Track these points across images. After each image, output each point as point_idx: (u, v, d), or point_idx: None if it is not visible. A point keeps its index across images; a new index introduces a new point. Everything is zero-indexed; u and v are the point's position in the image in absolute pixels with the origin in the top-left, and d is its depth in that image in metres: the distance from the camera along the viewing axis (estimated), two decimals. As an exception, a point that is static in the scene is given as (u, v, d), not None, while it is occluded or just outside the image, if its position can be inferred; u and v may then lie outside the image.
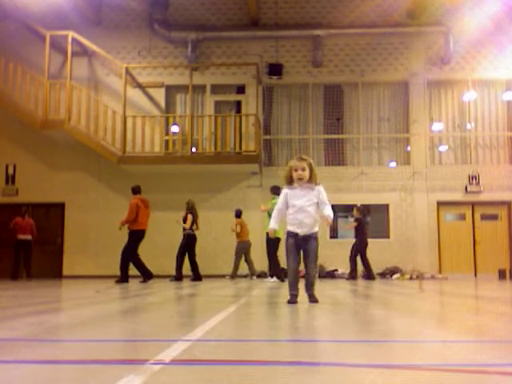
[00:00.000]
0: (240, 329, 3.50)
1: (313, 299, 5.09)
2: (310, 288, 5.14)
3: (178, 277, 12.26)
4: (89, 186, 16.18)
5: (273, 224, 5.29)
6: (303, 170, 5.00)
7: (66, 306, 5.87)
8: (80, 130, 15.26)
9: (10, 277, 13.71)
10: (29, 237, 14.02)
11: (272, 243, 11.25)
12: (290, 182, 5.08)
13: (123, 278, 11.04)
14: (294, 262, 5.15)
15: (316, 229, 5.14)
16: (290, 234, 5.13)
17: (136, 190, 11.53)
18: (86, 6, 16.29)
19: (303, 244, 5.11)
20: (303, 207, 5.04)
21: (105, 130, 15.28)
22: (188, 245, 12.43)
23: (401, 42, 16.65)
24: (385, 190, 16.00)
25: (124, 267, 11.14)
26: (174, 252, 15.25)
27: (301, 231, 5.08)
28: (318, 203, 5.08)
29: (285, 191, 5.14)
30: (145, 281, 11.12)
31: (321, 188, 5.11)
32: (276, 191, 11.70)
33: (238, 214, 14.02)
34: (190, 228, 12.45)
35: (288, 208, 5.11)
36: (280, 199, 5.19)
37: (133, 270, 11.41)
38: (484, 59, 16.45)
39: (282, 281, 11.29)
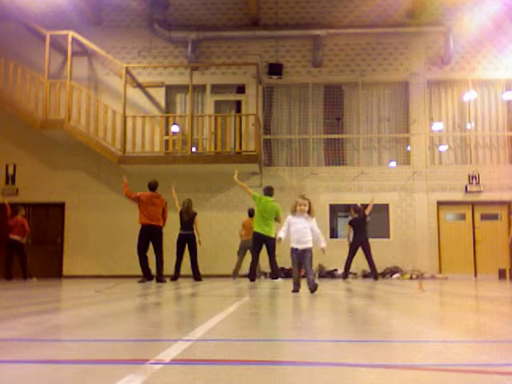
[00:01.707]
0: (240, 329, 3.50)
1: (313, 291, 6.74)
2: (310, 283, 6.80)
3: (173, 276, 12.21)
4: (89, 185, 16.17)
5: (281, 234, 7.05)
6: (304, 205, 6.93)
7: (66, 305, 5.87)
8: (80, 130, 15.25)
9: (4, 277, 13.64)
10: (17, 237, 13.83)
11: (271, 244, 11.11)
12: (294, 211, 6.96)
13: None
14: (296, 269, 7.04)
15: (310, 244, 6.94)
16: (293, 249, 6.98)
17: (149, 187, 11.54)
18: (86, 5, 16.29)
19: (301, 255, 6.94)
20: (300, 230, 6.90)
21: (105, 130, 15.28)
22: (177, 244, 12.32)
23: (401, 42, 16.65)
24: (385, 189, 15.99)
25: (142, 264, 11.24)
26: (174, 252, 15.27)
27: (299, 246, 6.94)
28: (311, 228, 6.92)
29: (288, 218, 7.02)
30: (143, 281, 11.11)
31: (314, 220, 7.00)
32: (267, 192, 11.55)
33: (251, 214, 13.82)
34: (181, 227, 12.37)
35: (290, 230, 6.96)
36: (286, 223, 7.04)
37: (134, 270, 11.40)
38: (484, 59, 16.45)
39: (252, 280, 11.20)
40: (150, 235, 11.28)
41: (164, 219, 11.55)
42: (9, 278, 13.53)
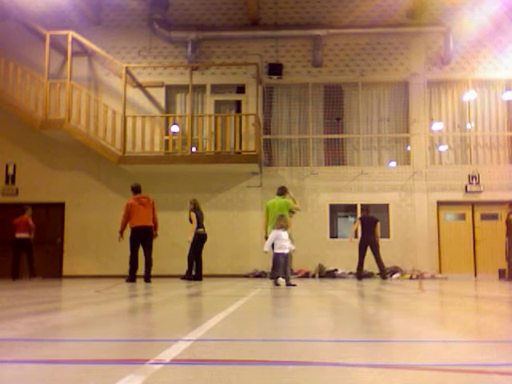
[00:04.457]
0: (240, 328, 3.50)
1: (290, 284, 9.23)
2: (288, 279, 9.33)
3: (189, 277, 12.21)
4: (89, 185, 16.17)
5: (266, 248, 9.39)
6: (285, 222, 9.45)
7: (66, 305, 5.88)
8: (80, 130, 15.25)
9: (11, 277, 13.64)
10: (24, 235, 13.85)
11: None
12: (281, 227, 9.23)
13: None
14: (282, 268, 9.25)
15: (289, 249, 9.30)
16: (279, 253, 9.21)
17: (134, 190, 11.56)
18: (86, 5, 16.28)
19: (286, 258, 9.29)
20: (285, 240, 9.22)
21: (105, 130, 15.28)
22: (196, 243, 12.34)
23: (401, 42, 16.64)
24: (385, 190, 15.99)
25: (132, 267, 11.28)
26: (174, 252, 15.29)
27: (285, 251, 9.22)
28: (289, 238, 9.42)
29: (277, 232, 9.23)
30: (128, 281, 11.18)
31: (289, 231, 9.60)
32: (278, 192, 11.75)
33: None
34: (199, 227, 12.36)
35: (276, 240, 9.24)
36: (271, 236, 9.34)
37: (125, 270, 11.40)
38: (484, 59, 16.44)
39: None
40: (142, 236, 11.29)
41: (155, 221, 11.56)
42: (15, 278, 13.54)
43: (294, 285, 9.24)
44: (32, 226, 13.99)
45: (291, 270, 11.03)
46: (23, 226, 13.82)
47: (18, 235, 13.79)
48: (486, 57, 16.42)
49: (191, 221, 12.36)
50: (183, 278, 12.34)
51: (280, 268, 9.21)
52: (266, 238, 11.58)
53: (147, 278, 11.27)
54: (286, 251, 9.23)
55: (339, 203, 16.12)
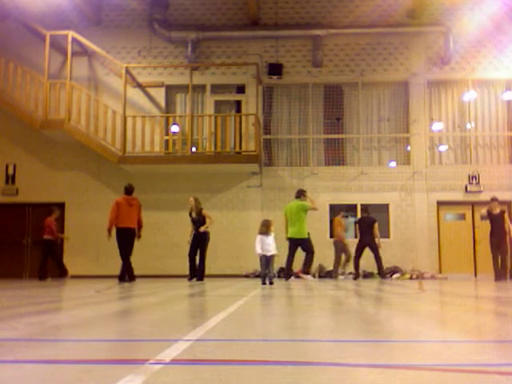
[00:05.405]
0: (240, 328, 3.50)
1: (271, 283, 9.94)
2: (271, 279, 10.11)
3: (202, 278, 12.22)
4: (89, 185, 16.16)
5: (259, 251, 10.05)
6: (269, 227, 10.07)
7: (66, 305, 5.88)
8: (80, 130, 15.25)
9: (38, 277, 13.71)
10: (49, 236, 13.92)
11: (303, 244, 12.26)
12: (265, 232, 10.02)
13: (121, 277, 11.30)
14: (265, 268, 10.09)
15: (272, 252, 10.11)
16: (262, 256, 10.06)
17: (126, 190, 11.54)
18: (86, 6, 16.28)
19: (269, 260, 10.10)
20: (269, 244, 10.06)
21: (105, 130, 15.28)
22: (208, 242, 12.40)
23: (401, 42, 16.65)
24: (385, 189, 15.99)
25: (125, 268, 11.25)
26: (174, 252, 15.28)
27: (268, 254, 10.06)
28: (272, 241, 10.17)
29: (261, 237, 10.05)
30: (128, 281, 11.20)
31: (273, 234, 10.25)
32: (295, 195, 12.58)
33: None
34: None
35: (261, 243, 10.04)
36: (257, 241, 10.05)
37: (134, 270, 11.40)
38: (484, 59, 16.44)
39: (286, 279, 12.13)
40: (126, 237, 11.28)
41: (140, 223, 11.56)
42: (42, 278, 13.57)
43: (272, 283, 9.96)
44: (53, 231, 14.02)
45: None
46: (48, 228, 13.89)
47: (45, 236, 13.87)
48: (486, 57, 16.42)
49: (203, 218, 12.26)
50: (198, 279, 12.24)
51: (263, 269, 10.09)
52: (287, 239, 12.43)
53: (132, 276, 11.43)
54: (269, 253, 10.10)
55: (339, 203, 16.12)
